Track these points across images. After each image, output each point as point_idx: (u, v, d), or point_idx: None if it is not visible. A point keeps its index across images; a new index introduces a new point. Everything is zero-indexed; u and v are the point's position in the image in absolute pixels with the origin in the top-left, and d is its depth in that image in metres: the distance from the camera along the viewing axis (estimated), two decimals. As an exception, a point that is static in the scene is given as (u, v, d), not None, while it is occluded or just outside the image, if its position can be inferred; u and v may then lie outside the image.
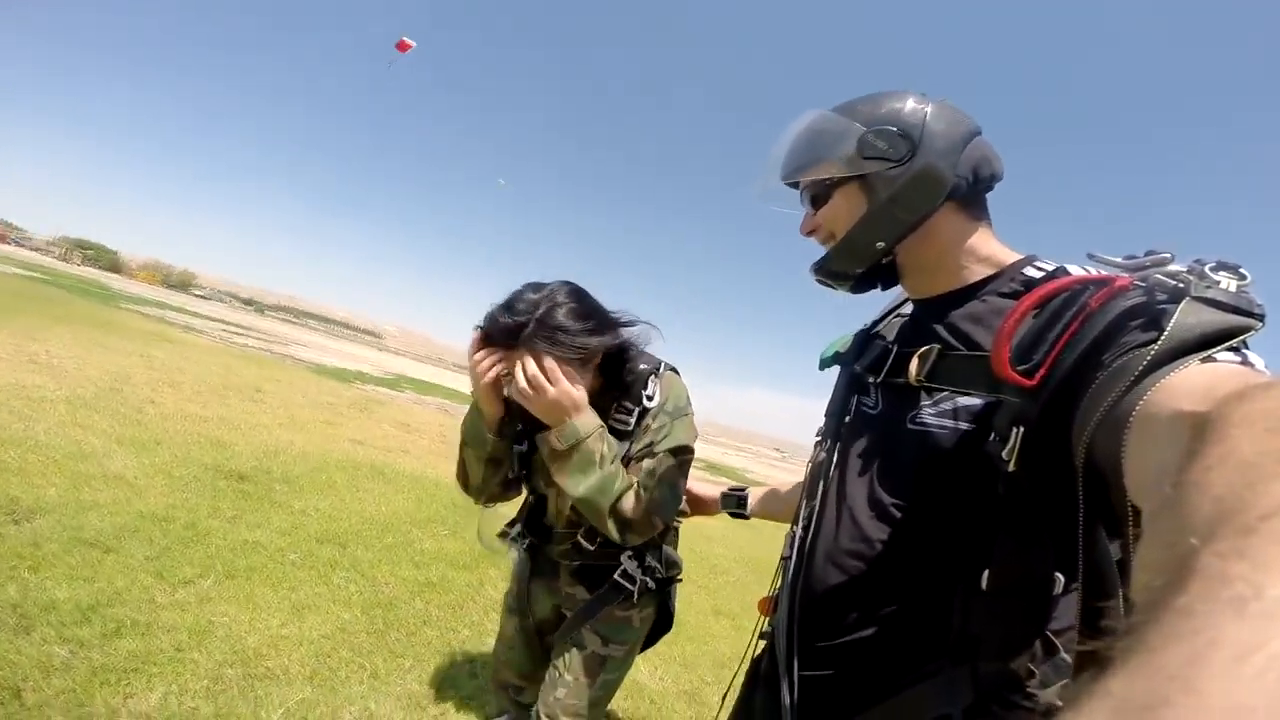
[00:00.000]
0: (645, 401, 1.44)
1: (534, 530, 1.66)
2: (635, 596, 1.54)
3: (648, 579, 1.56)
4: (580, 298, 1.36)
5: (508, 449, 1.49)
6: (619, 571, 1.54)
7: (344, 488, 5.00)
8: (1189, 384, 0.49)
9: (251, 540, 3.39)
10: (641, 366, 1.47)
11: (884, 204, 0.87)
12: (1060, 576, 0.70)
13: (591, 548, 1.54)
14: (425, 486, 5.77)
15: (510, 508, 1.73)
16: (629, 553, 1.54)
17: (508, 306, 1.33)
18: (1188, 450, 0.38)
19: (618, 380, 1.46)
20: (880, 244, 0.90)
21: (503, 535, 1.68)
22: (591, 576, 1.58)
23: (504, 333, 1.31)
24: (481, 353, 1.35)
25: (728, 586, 5.59)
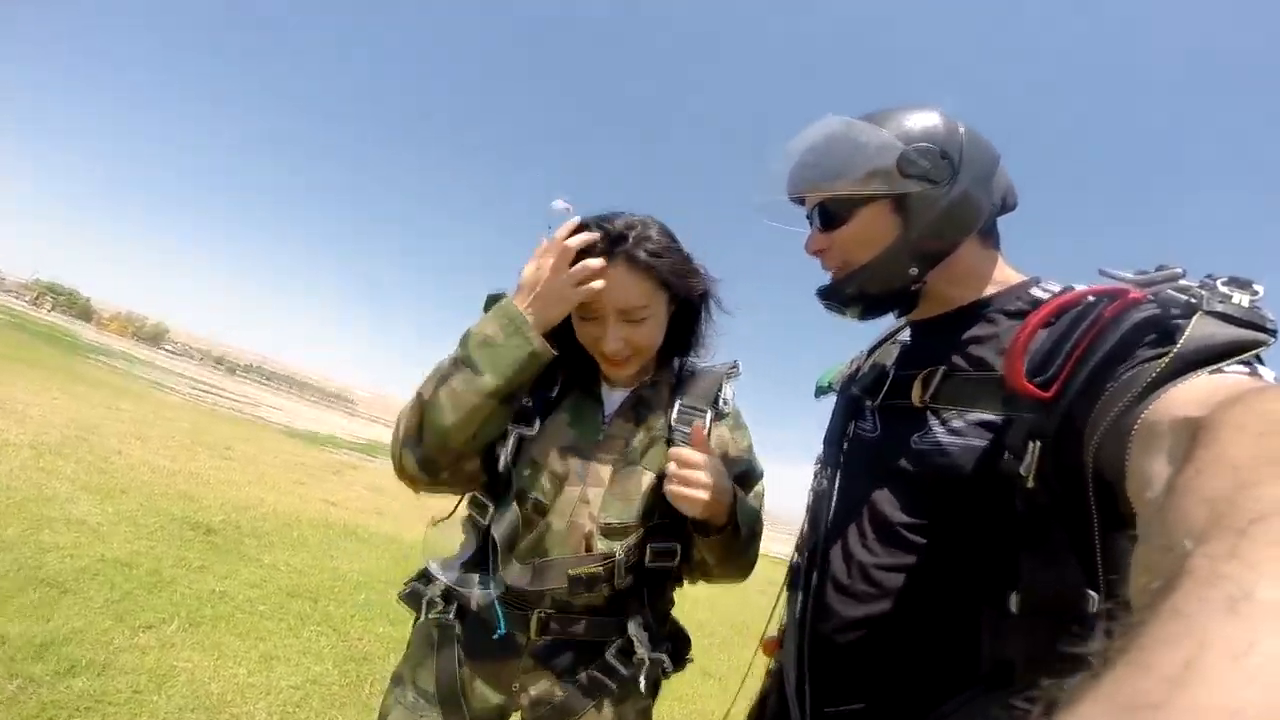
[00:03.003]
0: (721, 405, 1.13)
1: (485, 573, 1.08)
2: (641, 683, 1.05)
3: (663, 659, 1.06)
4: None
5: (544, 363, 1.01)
6: (615, 647, 1.06)
7: (316, 545, 4.82)
8: (1192, 393, 0.48)
9: (219, 590, 3.24)
10: (706, 364, 1.20)
11: (921, 228, 0.82)
12: (1093, 594, 0.64)
13: (588, 604, 1.06)
14: (401, 548, 5.57)
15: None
16: (638, 618, 1.07)
17: (600, 219, 1.05)
18: (1182, 455, 0.38)
19: (679, 346, 1.18)
20: (914, 270, 0.84)
21: (449, 567, 1.08)
22: (568, 657, 1.07)
23: (605, 239, 1.01)
24: (580, 237, 1.00)
25: (714, 648, 5.39)
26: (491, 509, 1.05)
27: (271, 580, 3.66)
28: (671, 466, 0.98)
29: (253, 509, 5.34)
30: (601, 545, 1.05)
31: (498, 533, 1.03)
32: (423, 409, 1.00)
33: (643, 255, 1.01)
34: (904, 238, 0.83)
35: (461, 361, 0.99)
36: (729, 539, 1.04)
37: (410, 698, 1.07)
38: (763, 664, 1.20)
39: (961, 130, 0.82)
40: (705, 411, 1.10)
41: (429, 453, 1.01)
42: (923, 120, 0.83)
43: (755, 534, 1.12)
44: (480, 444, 1.03)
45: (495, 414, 1.00)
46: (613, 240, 1.01)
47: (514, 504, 1.04)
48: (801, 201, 0.93)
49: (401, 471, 1.05)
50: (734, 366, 1.19)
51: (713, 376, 1.17)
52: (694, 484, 0.96)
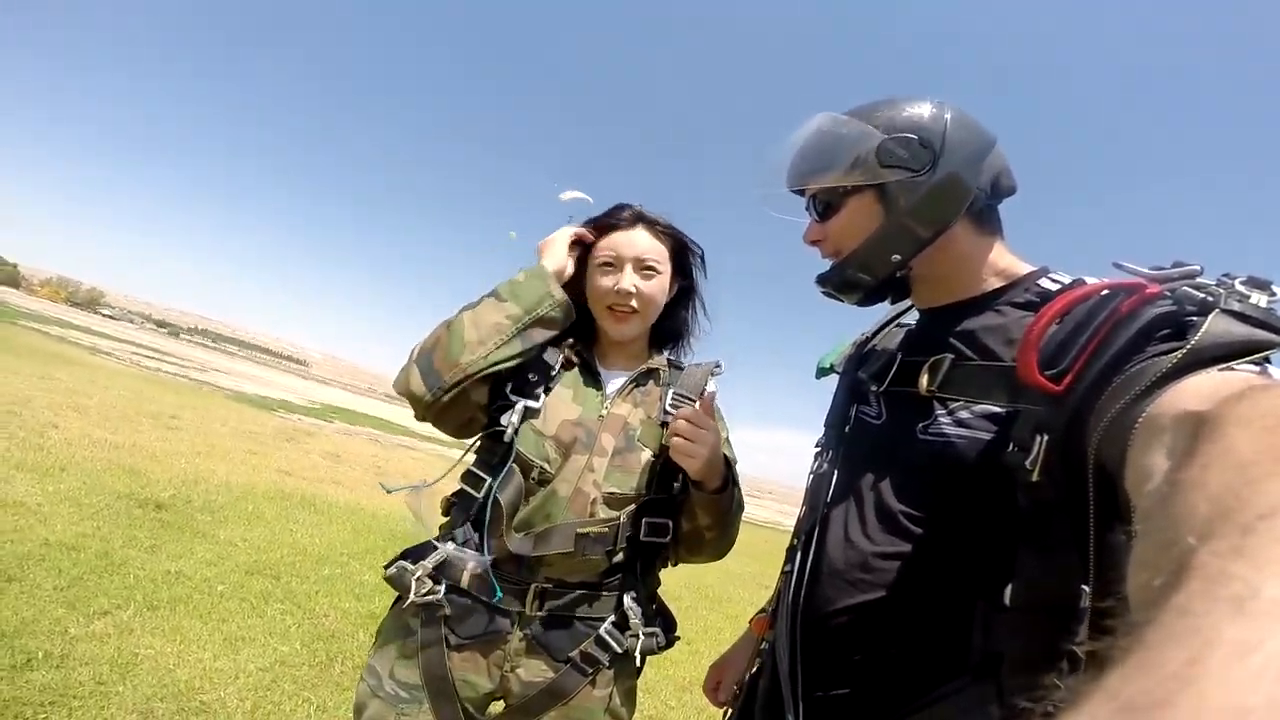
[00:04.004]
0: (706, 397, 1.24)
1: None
2: (636, 659, 1.13)
3: (656, 633, 1.15)
4: None
5: (565, 315, 1.18)
6: (609, 623, 1.11)
7: (273, 518, 4.73)
8: (1199, 388, 0.48)
9: (174, 571, 3.16)
10: (695, 362, 1.34)
11: (902, 215, 0.83)
12: (1086, 590, 0.65)
13: (583, 580, 1.12)
14: (361, 518, 5.52)
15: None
16: (632, 593, 1.14)
17: (627, 205, 1.28)
18: (1186, 449, 0.37)
19: (668, 335, 1.34)
20: (897, 257, 0.85)
21: (445, 538, 1.12)
22: (562, 636, 1.10)
23: (619, 213, 1.24)
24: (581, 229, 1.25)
25: (680, 613, 5.46)
26: (490, 481, 1.10)
27: (229, 558, 3.60)
28: (680, 424, 1.08)
29: (204, 482, 5.20)
30: (604, 514, 1.11)
31: (503, 497, 1.09)
32: (445, 328, 1.14)
33: (660, 223, 1.24)
34: (886, 224, 0.85)
35: (490, 295, 1.16)
36: (727, 500, 1.16)
37: (389, 689, 1.07)
38: (730, 630, 1.25)
39: (947, 117, 0.83)
40: (694, 401, 1.20)
41: (439, 367, 1.11)
42: (908, 110, 0.84)
43: (742, 505, 1.24)
44: (488, 366, 1.11)
45: (509, 342, 1.12)
46: (638, 214, 1.23)
47: (517, 471, 1.11)
48: (802, 194, 0.96)
49: (405, 386, 1.13)
50: (718, 365, 1.32)
51: (700, 371, 1.29)
52: (696, 440, 1.07)
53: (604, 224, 1.24)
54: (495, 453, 1.13)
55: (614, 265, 1.20)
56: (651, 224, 1.23)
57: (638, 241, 1.20)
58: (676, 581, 6.64)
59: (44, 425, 5.56)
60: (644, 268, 1.20)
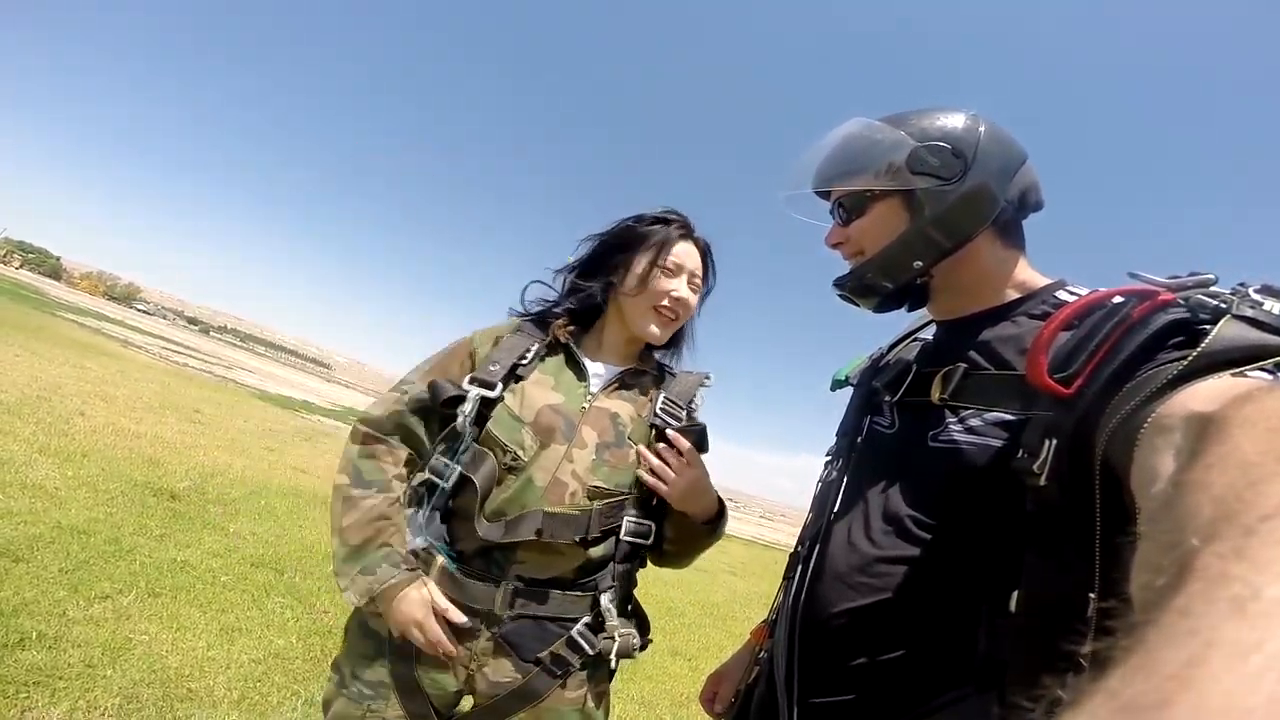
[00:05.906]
0: (692, 408, 1.24)
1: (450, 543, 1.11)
2: (612, 660, 1.08)
3: (632, 633, 1.11)
4: None
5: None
6: (582, 624, 1.07)
7: (284, 514, 4.76)
8: (1208, 392, 0.48)
9: (180, 559, 3.18)
10: (689, 370, 1.33)
11: (927, 222, 0.84)
12: (1092, 596, 0.63)
13: (557, 576, 1.08)
14: (371, 518, 5.53)
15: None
16: (609, 593, 1.10)
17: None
18: (1190, 450, 0.38)
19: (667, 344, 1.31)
20: (918, 263, 0.86)
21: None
22: (532, 636, 1.06)
23: (673, 217, 1.26)
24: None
25: (684, 629, 5.48)
26: (456, 469, 1.07)
27: (236, 550, 3.62)
28: (651, 458, 1.12)
29: (220, 475, 5.26)
30: (584, 505, 1.08)
31: (477, 477, 1.05)
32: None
33: (702, 242, 1.28)
34: (910, 230, 0.85)
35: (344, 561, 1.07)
36: (706, 535, 1.21)
37: (355, 689, 1.06)
38: (734, 648, 1.21)
39: (981, 129, 0.83)
40: (683, 408, 1.21)
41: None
42: (941, 120, 0.85)
43: (718, 536, 1.26)
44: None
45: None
46: (690, 228, 1.27)
47: (490, 454, 1.08)
48: (827, 197, 0.96)
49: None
50: (707, 376, 1.31)
51: (691, 380, 1.29)
52: (666, 476, 1.11)
53: (661, 219, 1.25)
54: (457, 444, 1.11)
55: (674, 272, 1.22)
56: (698, 241, 1.28)
57: (695, 257, 1.26)
58: (683, 597, 6.56)
59: (71, 412, 5.68)
60: (693, 281, 1.25)
